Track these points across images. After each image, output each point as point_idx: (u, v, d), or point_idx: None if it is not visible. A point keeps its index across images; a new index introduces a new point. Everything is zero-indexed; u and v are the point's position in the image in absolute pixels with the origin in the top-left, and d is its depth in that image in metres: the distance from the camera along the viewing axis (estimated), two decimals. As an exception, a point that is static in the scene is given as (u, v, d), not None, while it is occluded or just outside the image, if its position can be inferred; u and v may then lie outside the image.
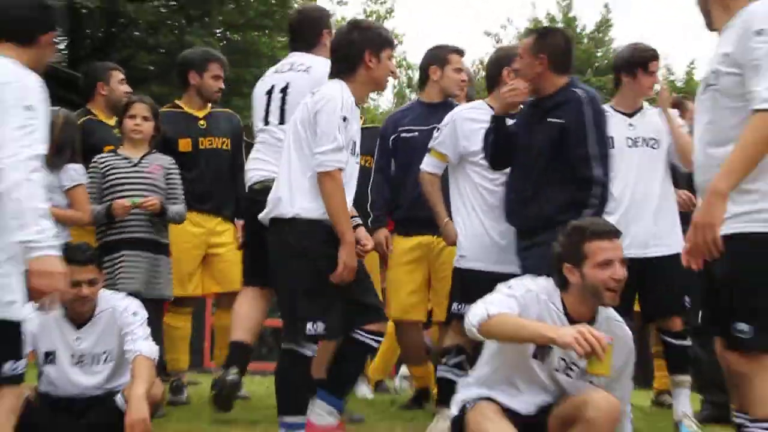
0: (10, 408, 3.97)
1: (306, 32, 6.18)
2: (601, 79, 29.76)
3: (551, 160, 5.19)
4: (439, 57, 6.49)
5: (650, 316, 6.18)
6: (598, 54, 33.75)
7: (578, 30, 34.19)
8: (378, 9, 35.23)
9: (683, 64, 35.74)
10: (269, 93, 5.94)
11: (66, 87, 13.38)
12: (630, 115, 6.03)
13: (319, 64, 5.73)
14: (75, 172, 6.21)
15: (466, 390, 4.46)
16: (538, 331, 3.93)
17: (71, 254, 5.28)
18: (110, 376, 5.44)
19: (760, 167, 3.61)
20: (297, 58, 6.00)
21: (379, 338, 5.22)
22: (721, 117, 3.79)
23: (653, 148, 5.96)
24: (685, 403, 5.88)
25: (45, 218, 3.76)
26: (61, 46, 27.80)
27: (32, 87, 3.94)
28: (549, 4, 46.37)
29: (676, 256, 5.55)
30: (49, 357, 5.38)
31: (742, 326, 3.67)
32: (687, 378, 5.92)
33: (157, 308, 6.19)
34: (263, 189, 5.51)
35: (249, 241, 6.04)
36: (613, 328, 4.26)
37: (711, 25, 4.05)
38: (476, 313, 4.12)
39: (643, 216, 5.81)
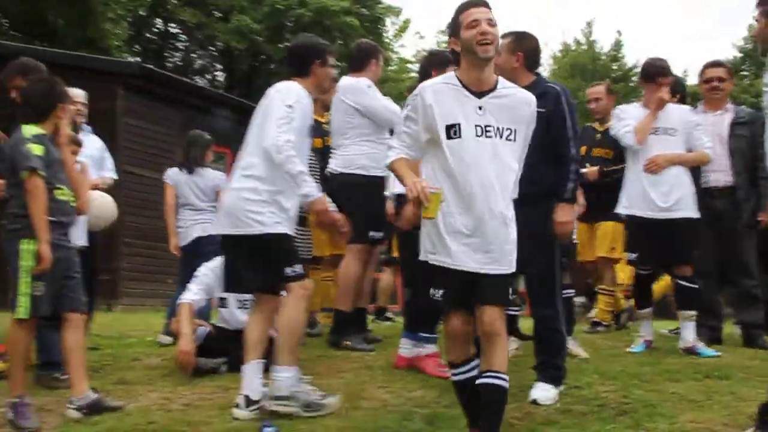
0: (299, 298, 4.36)
1: (354, 59, 6.19)
2: (615, 86, 29.39)
3: (538, 142, 4.38)
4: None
5: (667, 265, 6.06)
6: (614, 67, 33.17)
7: (597, 49, 33.56)
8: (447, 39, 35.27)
9: (679, 71, 35.36)
10: None
11: (222, 105, 13.65)
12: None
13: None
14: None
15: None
16: (403, 178, 3.65)
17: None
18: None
19: None
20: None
21: None
22: None
23: (672, 135, 5.79)
24: (692, 332, 5.76)
25: (306, 175, 4.32)
26: (220, 78, 28.30)
27: (295, 92, 4.45)
28: (575, 31, 45.98)
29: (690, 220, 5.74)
30: (223, 300, 5.53)
31: None
32: (693, 313, 5.77)
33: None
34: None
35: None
36: (512, 94, 3.79)
37: None
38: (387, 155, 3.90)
39: (663, 184, 5.69)
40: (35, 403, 4.47)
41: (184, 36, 28.01)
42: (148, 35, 27.56)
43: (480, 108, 3.66)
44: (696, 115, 6.09)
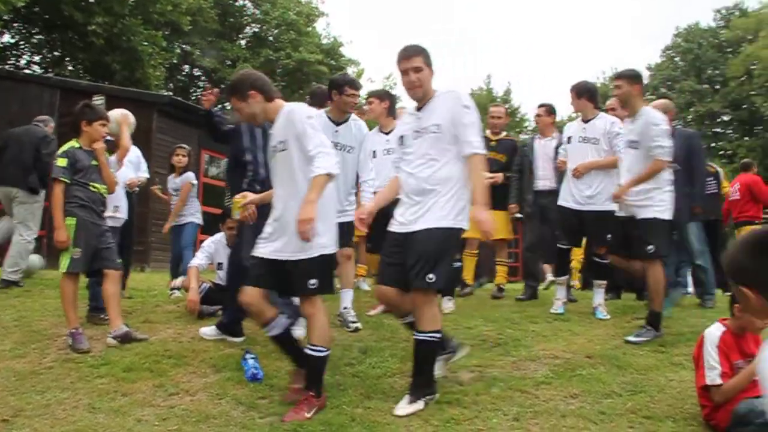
0: None
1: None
2: (510, 121, 29.10)
3: None
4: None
5: (590, 246, 5.34)
6: (506, 107, 32.58)
7: (493, 94, 32.68)
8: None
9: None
10: None
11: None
12: (585, 122, 5.11)
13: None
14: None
15: None
16: None
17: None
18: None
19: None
20: None
21: None
22: None
23: (595, 144, 5.01)
24: (600, 297, 5.17)
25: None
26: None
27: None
28: (478, 80, 45.08)
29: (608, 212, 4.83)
30: (220, 265, 5.38)
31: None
32: (604, 282, 5.19)
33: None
34: None
35: None
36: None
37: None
38: None
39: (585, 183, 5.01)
40: (86, 334, 4.40)
41: (204, 77, 27.53)
42: (178, 77, 27.00)
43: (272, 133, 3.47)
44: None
